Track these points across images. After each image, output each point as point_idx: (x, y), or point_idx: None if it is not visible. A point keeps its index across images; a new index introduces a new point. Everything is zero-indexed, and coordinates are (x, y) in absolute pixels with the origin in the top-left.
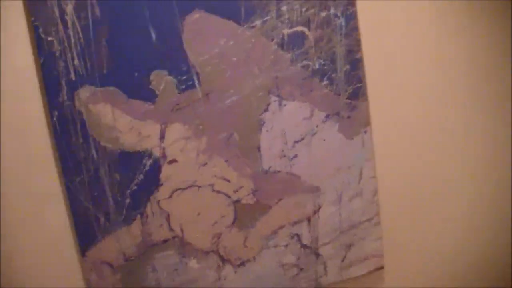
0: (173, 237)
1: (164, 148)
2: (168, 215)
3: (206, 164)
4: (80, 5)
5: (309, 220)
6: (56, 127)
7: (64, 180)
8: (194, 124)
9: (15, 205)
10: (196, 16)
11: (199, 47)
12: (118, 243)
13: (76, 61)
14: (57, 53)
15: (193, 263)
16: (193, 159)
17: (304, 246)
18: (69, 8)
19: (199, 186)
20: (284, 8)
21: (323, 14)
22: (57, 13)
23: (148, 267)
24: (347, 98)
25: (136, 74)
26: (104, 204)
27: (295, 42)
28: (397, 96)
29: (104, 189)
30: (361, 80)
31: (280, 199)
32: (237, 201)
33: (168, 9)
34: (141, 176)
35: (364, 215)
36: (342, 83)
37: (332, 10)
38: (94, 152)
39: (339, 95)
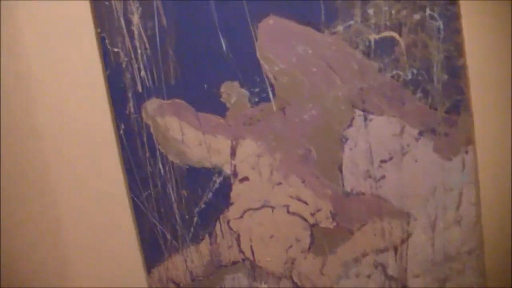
0: (243, 260)
1: (235, 165)
2: (239, 236)
3: (280, 183)
4: (146, 15)
5: (396, 249)
6: (122, 140)
7: (131, 194)
8: (267, 140)
9: (82, 217)
10: (271, 22)
11: (274, 56)
12: (185, 262)
13: (142, 73)
14: (124, 65)
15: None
16: (266, 177)
17: (389, 278)
18: (135, 18)
19: (273, 207)
20: (370, 10)
21: (417, 16)
22: (123, 24)
23: None
24: (445, 112)
25: (205, 86)
26: (171, 222)
27: (383, 49)
28: (505, 110)
29: (172, 206)
30: (463, 91)
31: (363, 225)
32: (314, 225)
33: (240, 14)
34: (210, 194)
35: (463, 246)
36: (439, 95)
37: (428, 11)
38: (161, 166)
39: (436, 109)
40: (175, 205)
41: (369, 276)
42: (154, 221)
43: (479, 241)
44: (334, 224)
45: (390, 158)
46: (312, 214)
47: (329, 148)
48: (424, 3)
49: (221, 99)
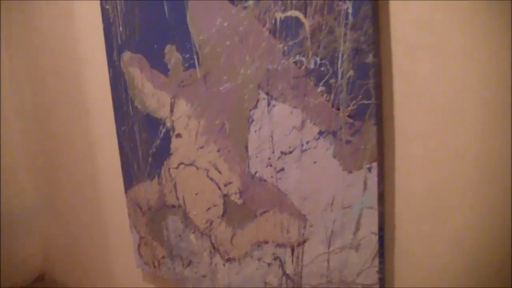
0: (178, 206)
1: (173, 121)
2: (175, 184)
3: (203, 147)
4: None
5: (293, 249)
6: (111, 81)
7: (116, 126)
8: (194, 104)
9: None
10: None
11: (200, 25)
12: (145, 192)
13: (121, 28)
14: (111, 19)
15: (192, 237)
16: (193, 138)
17: (286, 276)
18: None
19: (197, 167)
20: None
21: None
22: None
23: (162, 222)
24: (348, 116)
25: (155, 46)
26: (136, 155)
27: (288, 29)
28: (424, 122)
29: (136, 143)
30: (370, 94)
31: (264, 211)
32: (226, 195)
33: None
34: (158, 141)
35: (361, 278)
36: (344, 94)
37: None
38: (131, 109)
39: (339, 109)
40: (138, 143)
41: (269, 265)
42: (128, 152)
43: (377, 279)
44: (241, 201)
45: (290, 152)
46: (225, 185)
47: (238, 125)
48: None
49: (165, 60)
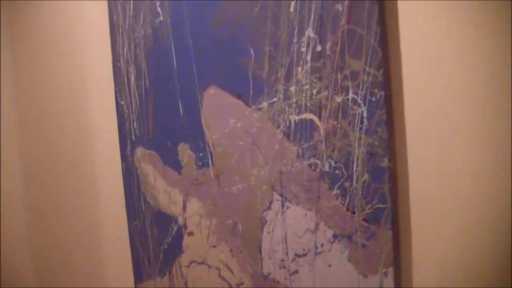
0: None
1: (185, 219)
2: (186, 282)
3: (215, 246)
4: (138, 75)
5: None
6: (124, 176)
7: (127, 221)
8: (207, 203)
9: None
10: (212, 92)
11: (213, 125)
12: None
13: (135, 124)
14: (125, 115)
15: None
16: (205, 237)
17: None
18: (132, 77)
19: (209, 266)
20: (292, 88)
21: (338, 99)
22: (126, 81)
23: None
24: (363, 220)
25: (168, 143)
26: (147, 251)
27: (303, 132)
28: (441, 226)
29: (148, 239)
30: (385, 198)
31: None
32: None
33: (192, 82)
34: (170, 239)
35: None
36: (359, 198)
37: (351, 94)
38: (142, 204)
39: (354, 213)
40: (149, 239)
41: None
42: (139, 247)
43: None
44: None
45: (304, 254)
46: (237, 286)
47: (251, 226)
48: (347, 84)
49: (178, 157)
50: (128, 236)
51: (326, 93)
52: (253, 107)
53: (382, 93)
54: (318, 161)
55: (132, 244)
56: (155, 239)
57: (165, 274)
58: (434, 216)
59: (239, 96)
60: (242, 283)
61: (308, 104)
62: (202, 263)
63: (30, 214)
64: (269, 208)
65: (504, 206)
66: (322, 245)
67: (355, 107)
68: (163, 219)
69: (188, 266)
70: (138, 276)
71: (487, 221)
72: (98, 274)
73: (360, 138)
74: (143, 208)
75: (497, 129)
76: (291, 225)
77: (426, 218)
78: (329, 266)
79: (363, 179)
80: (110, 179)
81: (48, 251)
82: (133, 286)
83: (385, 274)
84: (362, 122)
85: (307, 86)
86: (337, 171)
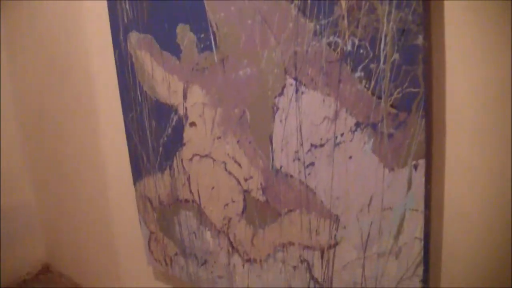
0: (192, 201)
1: (186, 108)
2: (189, 177)
3: (220, 138)
4: None
5: (322, 252)
6: (117, 64)
7: (123, 114)
8: (211, 91)
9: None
10: None
11: (217, 2)
12: (155, 185)
13: (127, 5)
14: None
15: (208, 235)
16: (209, 128)
17: (314, 280)
18: None
19: (214, 160)
20: None
21: None
22: None
23: (174, 218)
24: (391, 106)
25: (166, 25)
26: (145, 145)
27: (321, 6)
28: (480, 116)
29: (146, 132)
30: (418, 82)
31: (290, 210)
32: (246, 191)
33: None
34: (170, 130)
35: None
36: (386, 81)
37: None
38: (139, 94)
39: (380, 98)
40: (148, 132)
41: (294, 268)
42: (136, 142)
43: None
44: (264, 199)
45: (321, 145)
46: (245, 180)
47: (261, 114)
48: None
49: (177, 40)
50: (124, 130)
51: None
52: None
53: None
54: (339, 39)
55: (129, 138)
56: (153, 132)
57: (165, 169)
58: (473, 104)
59: None
60: (251, 177)
61: None
62: (206, 156)
63: (24, 116)
64: (281, 94)
65: None
66: (342, 135)
67: None
68: (162, 110)
69: (191, 159)
70: (137, 173)
71: None
72: (97, 169)
73: (390, 12)
74: (140, 99)
75: None
76: (307, 112)
77: (464, 106)
78: (350, 158)
79: (392, 59)
80: (104, 70)
81: (48, 155)
82: (132, 186)
83: (415, 167)
84: None
85: None
86: (361, 51)
